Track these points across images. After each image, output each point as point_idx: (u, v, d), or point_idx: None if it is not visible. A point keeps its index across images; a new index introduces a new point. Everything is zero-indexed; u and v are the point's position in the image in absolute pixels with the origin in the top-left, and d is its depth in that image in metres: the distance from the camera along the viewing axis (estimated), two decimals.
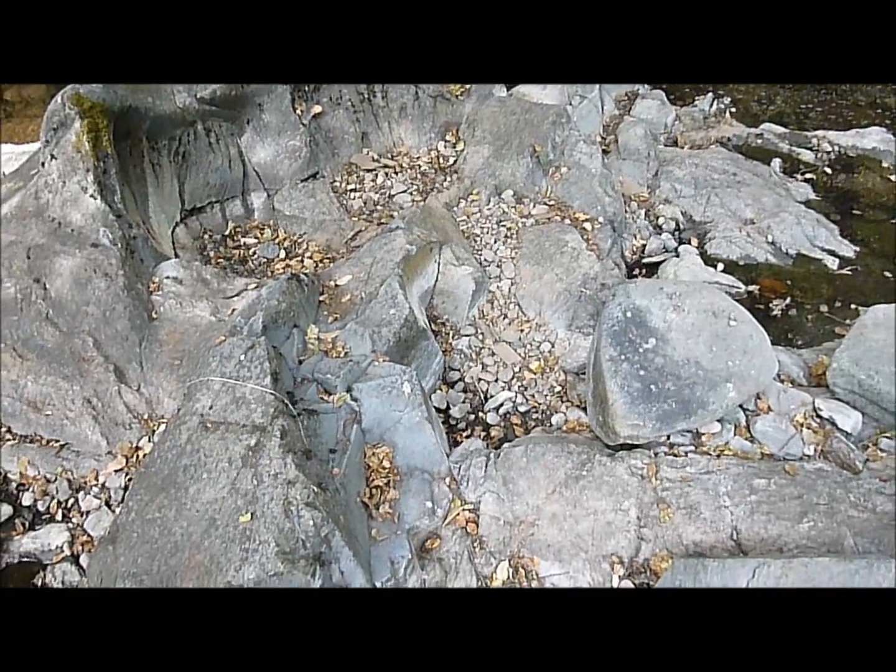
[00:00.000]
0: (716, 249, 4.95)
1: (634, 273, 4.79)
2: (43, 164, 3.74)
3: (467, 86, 5.55)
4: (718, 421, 3.29)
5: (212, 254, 4.36)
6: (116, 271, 3.50)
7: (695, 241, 5.06)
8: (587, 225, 4.67)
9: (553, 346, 4.06)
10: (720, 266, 4.82)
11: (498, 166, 4.81)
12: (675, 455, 3.19)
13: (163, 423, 3.34)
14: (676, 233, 5.19)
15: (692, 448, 3.25)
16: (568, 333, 4.06)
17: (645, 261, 4.90)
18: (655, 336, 3.34)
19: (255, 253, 4.39)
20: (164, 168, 4.31)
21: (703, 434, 3.28)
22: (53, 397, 3.41)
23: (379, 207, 4.74)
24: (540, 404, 3.82)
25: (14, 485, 3.37)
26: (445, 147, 5.20)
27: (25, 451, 3.42)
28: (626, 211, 5.14)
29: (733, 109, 6.82)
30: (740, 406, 3.38)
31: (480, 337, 4.08)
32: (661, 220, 5.23)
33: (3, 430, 3.49)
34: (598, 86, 6.21)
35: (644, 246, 5.00)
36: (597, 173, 5.05)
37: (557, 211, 4.73)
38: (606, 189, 5.00)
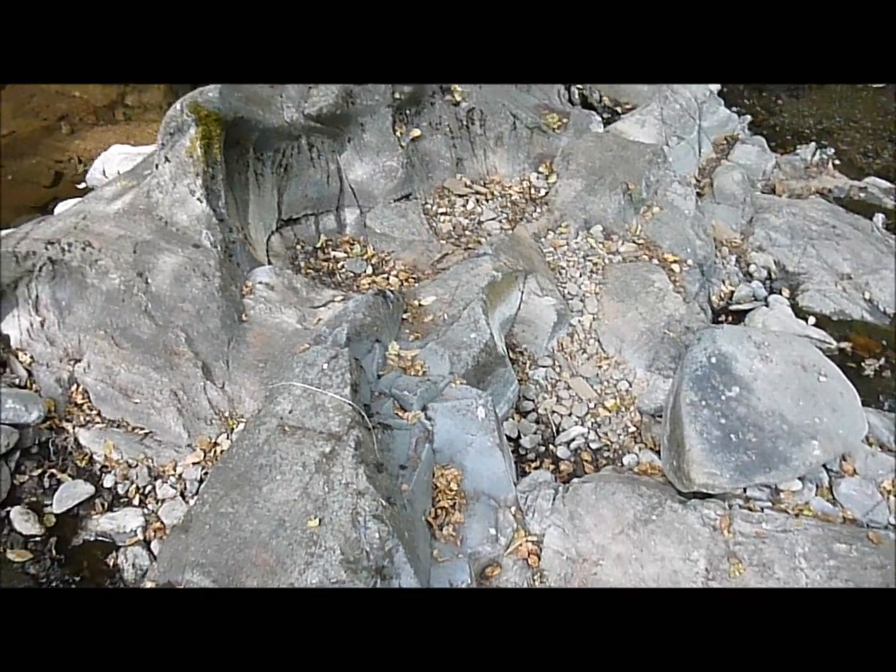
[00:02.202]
0: (808, 302, 4.79)
1: (720, 319, 4.68)
2: (157, 165, 3.96)
3: (564, 119, 5.60)
4: (800, 478, 3.17)
5: (302, 264, 4.50)
6: (214, 272, 3.65)
7: (786, 292, 4.92)
8: (675, 266, 4.60)
9: (631, 386, 4.00)
10: (812, 319, 4.66)
11: (589, 201, 4.80)
12: (751, 509, 3.08)
13: (242, 421, 3.44)
14: (767, 282, 5.06)
15: (769, 504, 3.14)
16: (647, 374, 4.00)
17: (732, 307, 4.78)
18: (740, 384, 3.25)
19: (343, 266, 4.51)
20: (266, 178, 4.49)
21: (783, 491, 3.17)
22: (143, 386, 3.57)
23: (467, 232, 4.80)
24: (612, 443, 3.77)
25: (98, 466, 3.53)
26: (538, 178, 5.24)
27: (112, 435, 3.58)
28: (716, 255, 5.04)
29: (836, 161, 6.62)
30: (824, 465, 3.25)
31: (557, 369, 4.06)
32: (752, 268, 5.11)
33: (94, 412, 3.67)
34: (696, 127, 6.14)
35: (732, 292, 4.89)
36: (689, 215, 4.99)
37: (646, 250, 4.69)
38: (698, 232, 4.92)
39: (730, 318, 4.70)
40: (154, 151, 4.17)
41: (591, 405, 3.92)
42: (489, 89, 5.25)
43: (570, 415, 3.89)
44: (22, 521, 3.27)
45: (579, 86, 6.43)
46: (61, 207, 4.89)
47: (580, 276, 4.48)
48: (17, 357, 3.75)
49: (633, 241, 4.73)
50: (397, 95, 4.83)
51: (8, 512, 3.30)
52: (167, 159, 3.90)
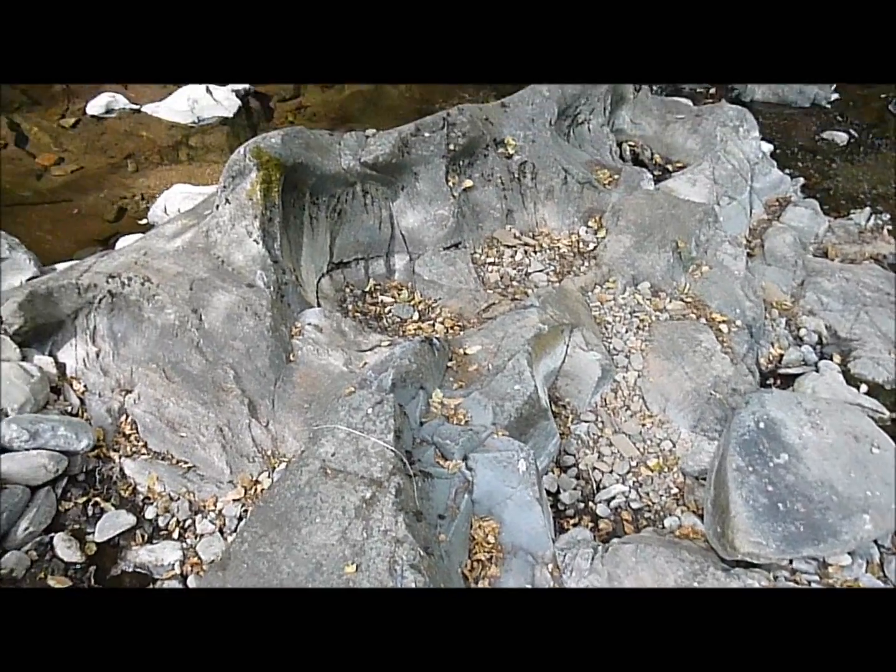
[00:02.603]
0: (861, 369, 4.68)
1: (769, 382, 4.60)
2: (217, 206, 4.09)
3: (615, 175, 5.64)
4: (849, 553, 3.06)
5: (350, 307, 4.57)
6: (265, 312, 3.73)
7: (837, 358, 4.81)
8: (724, 327, 4.55)
9: (674, 446, 3.93)
10: (864, 387, 4.55)
11: (638, 257, 4.80)
12: (797, 582, 2.98)
13: (283, 461, 3.47)
14: (818, 346, 4.96)
15: (816, 578, 3.03)
16: (692, 434, 3.93)
17: (781, 371, 4.70)
18: (788, 452, 3.18)
19: (390, 311, 4.56)
20: (320, 222, 4.60)
21: (831, 565, 3.06)
22: (190, 420, 3.63)
23: (515, 283, 4.83)
24: (654, 504, 3.69)
25: (141, 497, 3.59)
26: (587, 232, 5.26)
27: (156, 466, 3.64)
28: (765, 317, 4.97)
29: (891, 226, 6.53)
30: (875, 541, 3.14)
31: (600, 425, 4.02)
32: (802, 332, 5.02)
33: (141, 444, 3.74)
34: (748, 188, 6.13)
35: (781, 356, 4.81)
36: (739, 276, 4.95)
37: (694, 308, 4.65)
38: (748, 293, 4.88)
39: (778, 382, 4.61)
40: (215, 192, 4.31)
41: (633, 463, 3.87)
42: (542, 143, 5.33)
43: (611, 472, 3.84)
44: (64, 547, 3.33)
45: (631, 143, 6.48)
46: (122, 242, 5.08)
47: (626, 331, 4.45)
48: (71, 385, 3.86)
49: (681, 300, 4.70)
50: (452, 147, 4.93)
51: (52, 538, 3.36)
52: (228, 201, 4.03)
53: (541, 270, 4.94)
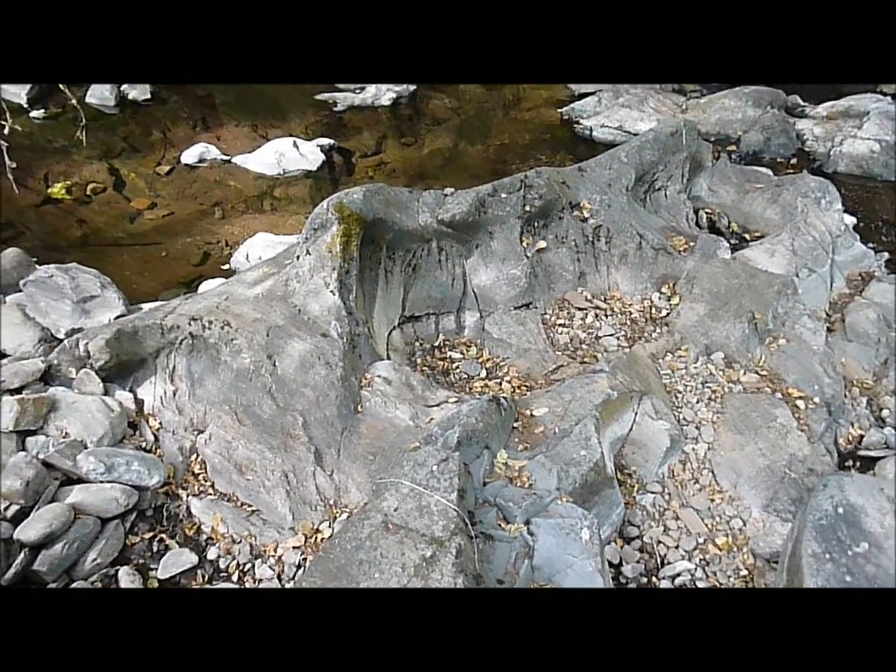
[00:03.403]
0: None
1: (847, 464, 4.39)
2: (298, 256, 4.23)
3: (691, 243, 5.59)
4: None
5: (419, 360, 4.61)
6: (337, 362, 3.81)
7: None
8: (800, 403, 4.40)
9: (745, 525, 3.79)
10: None
11: (712, 326, 4.72)
12: None
13: (345, 511, 3.49)
14: None
15: None
16: (763, 514, 3.78)
17: (861, 453, 4.48)
18: (869, 541, 3.02)
19: (458, 367, 4.59)
20: (394, 276, 4.70)
21: None
22: (257, 464, 3.70)
23: (584, 346, 4.80)
24: (721, 584, 3.54)
25: (204, 537, 3.65)
26: (659, 298, 5.21)
27: (221, 507, 3.70)
28: (845, 395, 4.78)
29: None
30: None
31: (666, 497, 3.91)
32: (885, 413, 4.80)
33: (208, 483, 3.82)
34: (829, 261, 5.97)
35: (862, 437, 4.60)
36: (818, 351, 4.80)
37: (769, 382, 4.52)
38: (827, 369, 4.71)
39: (858, 465, 4.40)
40: (296, 243, 4.47)
41: (701, 540, 3.73)
42: (618, 208, 5.35)
43: (676, 547, 3.71)
44: (128, 581, 3.40)
45: (707, 210, 6.44)
46: (205, 286, 5.28)
47: (697, 402, 4.35)
48: (147, 422, 4.00)
49: (756, 372, 4.58)
50: (528, 208, 5.00)
51: (117, 570, 3.44)
52: (308, 252, 4.17)
53: (611, 335, 4.90)
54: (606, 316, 5.08)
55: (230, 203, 7.03)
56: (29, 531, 3.29)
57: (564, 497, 3.35)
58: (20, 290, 4.77)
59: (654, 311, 5.14)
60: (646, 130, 6.39)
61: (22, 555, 3.28)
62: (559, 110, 8.89)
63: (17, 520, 3.36)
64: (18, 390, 3.84)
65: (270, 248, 5.69)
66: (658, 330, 4.94)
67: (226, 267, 5.97)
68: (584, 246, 5.29)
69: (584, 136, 8.45)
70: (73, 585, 3.37)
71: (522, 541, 3.09)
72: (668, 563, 3.63)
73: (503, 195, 4.95)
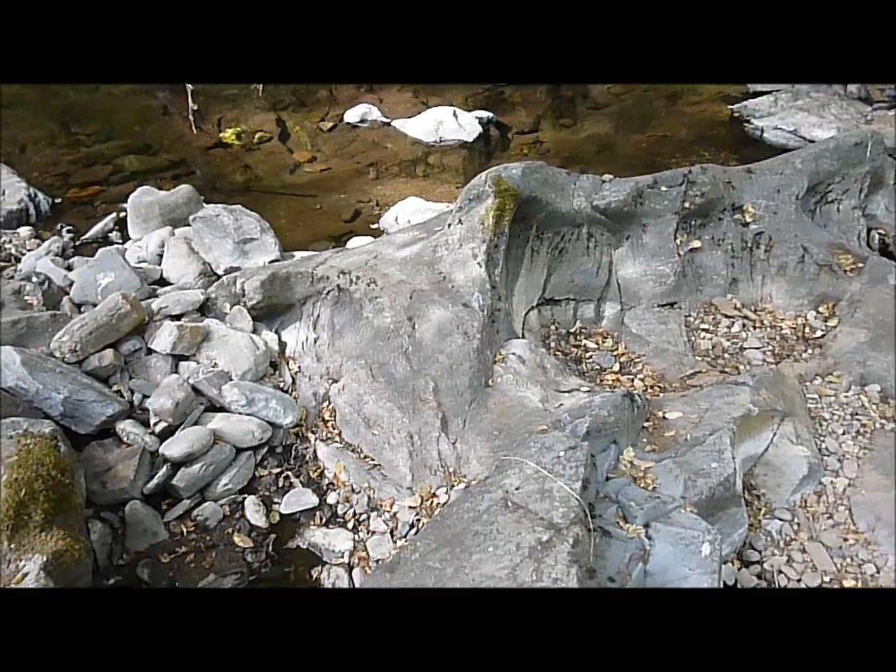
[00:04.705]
0: None
1: None
2: (449, 224, 4.27)
3: (860, 264, 5.20)
4: None
5: (552, 345, 4.57)
6: (475, 333, 3.82)
7: None
8: None
9: (878, 572, 3.52)
10: None
11: (871, 356, 4.38)
12: None
13: (464, 481, 3.53)
14: None
15: None
16: None
17: None
18: None
19: (591, 357, 4.51)
20: (540, 256, 4.66)
21: None
22: (385, 421, 3.80)
23: (726, 355, 4.59)
24: None
25: (326, 482, 3.80)
26: (815, 318, 4.89)
27: (345, 457, 3.84)
28: None
29: None
30: None
31: (795, 527, 3.69)
32: None
33: (336, 432, 3.97)
34: None
35: None
36: None
37: None
38: None
39: None
40: (448, 211, 4.51)
41: (827, 579, 3.50)
42: (784, 216, 5.04)
43: (798, 581, 3.50)
44: (253, 510, 3.60)
45: (881, 231, 5.96)
46: (354, 242, 5.45)
47: (843, 433, 4.07)
48: (287, 364, 4.19)
49: None
50: (687, 204, 4.81)
51: (244, 499, 3.65)
52: (460, 221, 4.20)
53: (757, 348, 4.66)
54: (755, 328, 4.83)
55: (385, 165, 7.19)
56: (173, 448, 3.54)
57: (689, 507, 3.23)
58: (188, 225, 5.10)
59: (807, 330, 4.83)
60: (826, 138, 5.98)
61: (164, 468, 3.54)
62: (729, 107, 8.45)
63: (163, 436, 3.63)
64: (178, 317, 4.11)
65: (420, 213, 5.78)
66: (810, 351, 4.65)
67: (375, 226, 6.12)
68: (740, 251, 5.03)
69: (754, 137, 8.00)
70: (203, 505, 3.60)
71: (639, 543, 3.01)
72: None
73: (663, 188, 4.77)
